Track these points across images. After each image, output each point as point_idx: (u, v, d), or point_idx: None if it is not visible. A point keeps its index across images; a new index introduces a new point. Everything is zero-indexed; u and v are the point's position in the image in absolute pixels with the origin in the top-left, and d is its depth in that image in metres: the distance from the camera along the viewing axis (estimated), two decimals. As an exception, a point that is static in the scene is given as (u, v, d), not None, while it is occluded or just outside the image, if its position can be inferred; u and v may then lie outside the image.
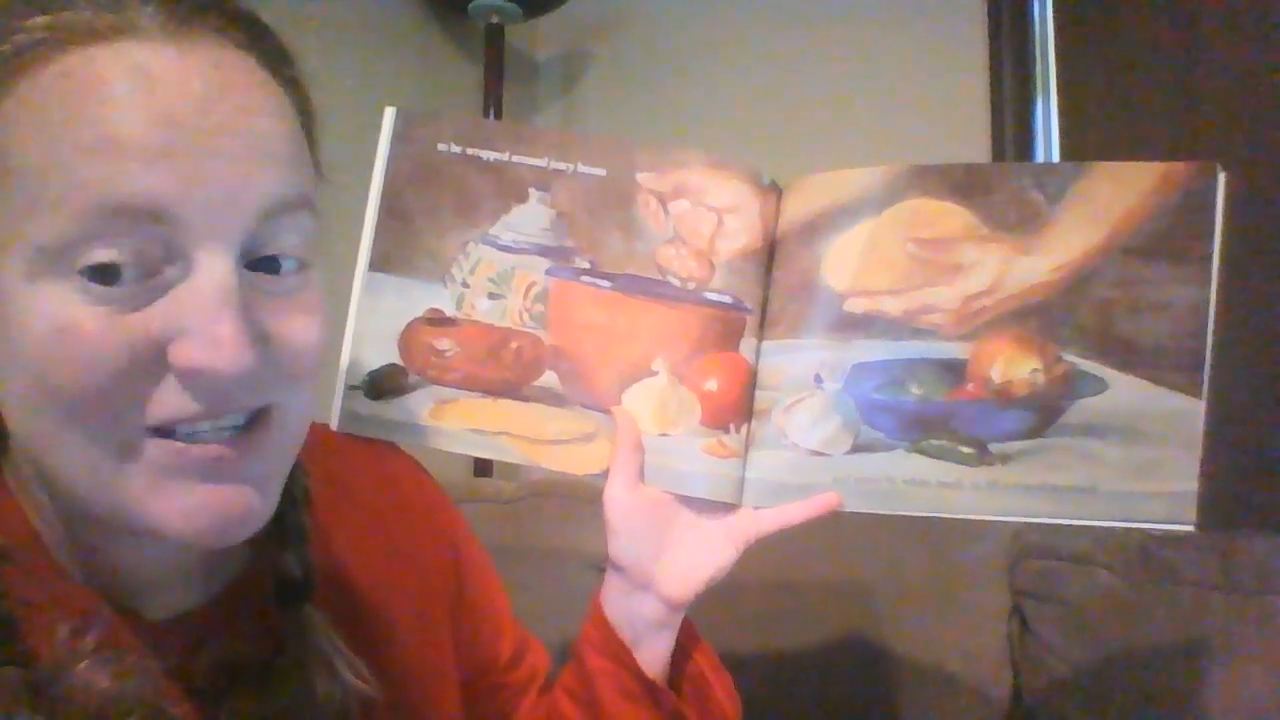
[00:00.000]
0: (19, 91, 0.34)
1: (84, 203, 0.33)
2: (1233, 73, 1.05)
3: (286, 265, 0.38)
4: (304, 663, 0.43)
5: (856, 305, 0.57)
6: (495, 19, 1.34)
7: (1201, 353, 0.53)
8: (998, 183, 0.56)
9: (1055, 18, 1.20)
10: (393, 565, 0.53)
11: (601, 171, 0.59)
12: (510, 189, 0.59)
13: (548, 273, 0.59)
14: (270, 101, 0.38)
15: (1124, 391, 0.54)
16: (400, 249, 0.60)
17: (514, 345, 0.59)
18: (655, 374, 0.58)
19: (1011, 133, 1.21)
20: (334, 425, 0.59)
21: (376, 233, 0.60)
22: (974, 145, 1.24)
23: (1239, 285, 1.01)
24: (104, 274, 0.34)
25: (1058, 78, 1.20)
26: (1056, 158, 1.20)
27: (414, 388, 0.59)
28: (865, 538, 0.85)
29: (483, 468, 1.26)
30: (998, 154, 1.22)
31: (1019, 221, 0.55)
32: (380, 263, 0.60)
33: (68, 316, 0.34)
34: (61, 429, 0.35)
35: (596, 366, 0.58)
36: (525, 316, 0.59)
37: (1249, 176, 1.03)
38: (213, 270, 0.35)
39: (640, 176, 0.58)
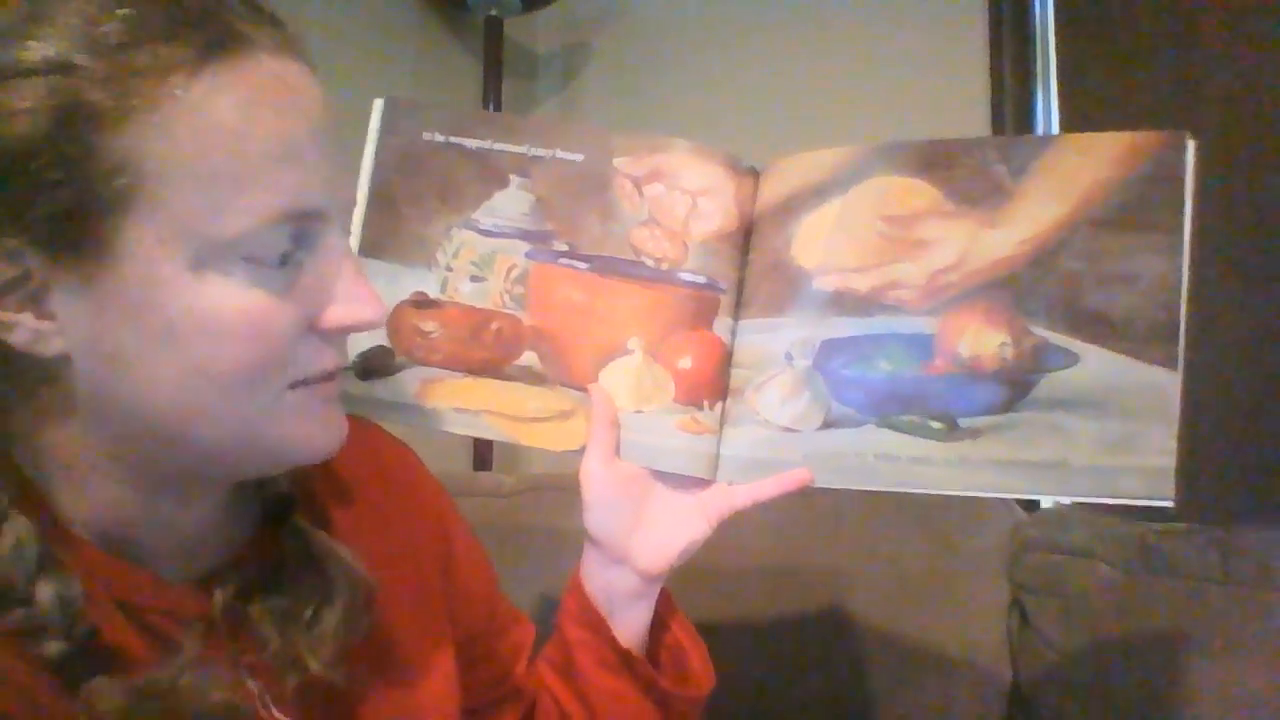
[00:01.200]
0: (183, 99, 0.36)
1: (272, 208, 0.38)
2: (1233, 70, 1.05)
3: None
4: (311, 557, 0.47)
5: (825, 283, 0.58)
6: (494, 12, 1.36)
7: (1175, 324, 0.52)
8: (962, 157, 0.56)
9: (1056, 14, 1.21)
10: (381, 531, 0.55)
11: (579, 157, 0.61)
12: (492, 175, 0.62)
13: (527, 255, 0.61)
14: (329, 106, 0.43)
15: (1095, 365, 0.53)
16: (388, 235, 0.63)
17: (495, 326, 0.61)
18: (631, 352, 0.59)
19: (1012, 129, 1.21)
20: (329, 404, 0.62)
21: (366, 220, 0.63)
22: (973, 142, 1.23)
23: (1240, 280, 1.00)
24: (279, 262, 0.39)
25: (1058, 74, 1.20)
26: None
27: (401, 368, 0.62)
28: (865, 529, 0.85)
29: (481, 461, 1.27)
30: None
31: (984, 195, 0.55)
32: (369, 249, 0.63)
33: (246, 300, 0.39)
34: (220, 398, 0.39)
35: (574, 346, 0.60)
36: (506, 298, 0.61)
37: (1250, 172, 1.02)
38: (342, 249, 0.43)
39: (616, 161, 0.60)
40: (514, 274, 0.61)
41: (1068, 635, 0.76)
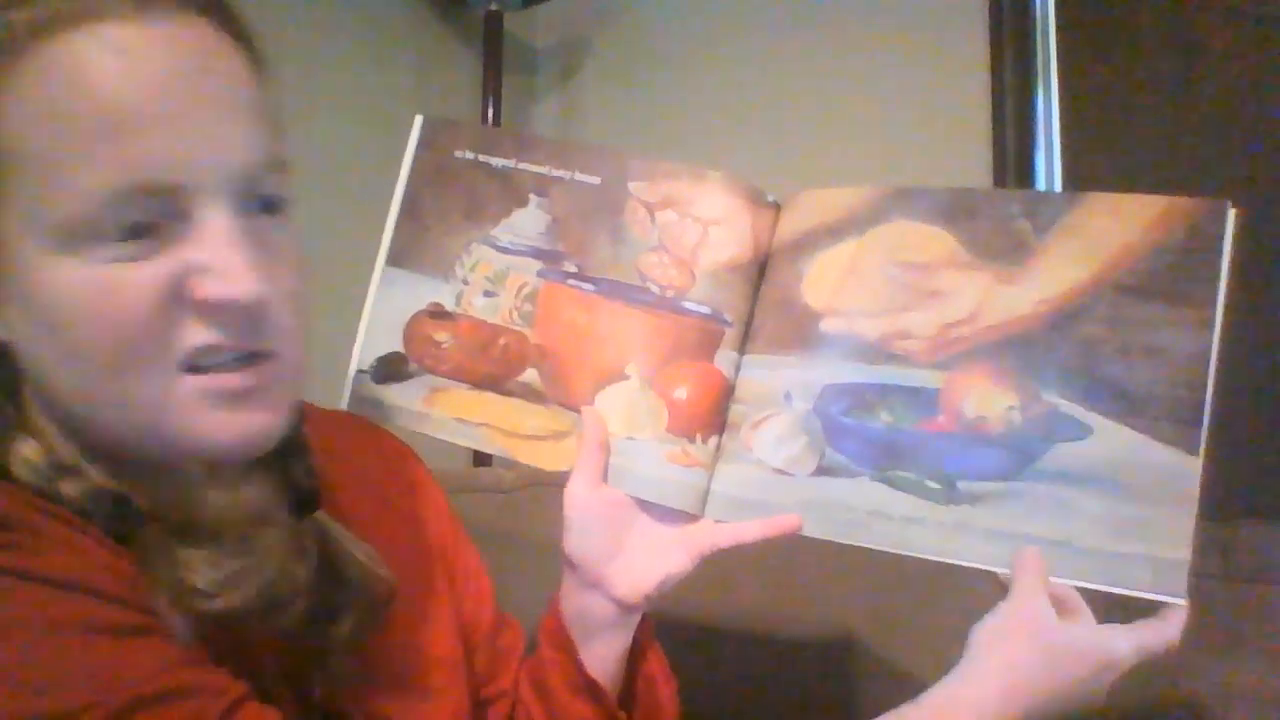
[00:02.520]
0: (8, 85, 0.37)
1: (105, 185, 0.37)
2: (1233, 72, 1.04)
3: (268, 205, 0.42)
4: (330, 555, 0.47)
5: (832, 325, 0.56)
6: (494, 6, 1.35)
7: (1199, 405, 0.48)
8: (985, 208, 0.54)
9: (1056, 14, 1.19)
10: (387, 520, 0.56)
11: (596, 180, 0.61)
12: (513, 194, 0.62)
13: (539, 274, 0.62)
14: (235, 63, 0.42)
15: (1108, 440, 0.50)
16: (413, 246, 0.64)
17: (502, 341, 0.62)
18: (627, 378, 0.59)
19: (1012, 134, 1.18)
20: (344, 403, 0.64)
21: (395, 230, 0.65)
22: (974, 145, 1.20)
23: (1238, 278, 0.98)
24: (130, 237, 0.38)
25: (1058, 74, 1.18)
26: (1058, 159, 1.19)
27: (412, 375, 0.63)
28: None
29: (481, 458, 1.26)
30: (998, 155, 1.19)
31: (1004, 250, 0.52)
32: (395, 257, 0.65)
33: (102, 278, 0.38)
34: (102, 380, 0.40)
35: (574, 367, 0.60)
36: (515, 315, 0.62)
37: (1248, 172, 1.00)
38: (216, 220, 0.40)
39: (632, 186, 0.60)
40: (524, 291, 0.62)
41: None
